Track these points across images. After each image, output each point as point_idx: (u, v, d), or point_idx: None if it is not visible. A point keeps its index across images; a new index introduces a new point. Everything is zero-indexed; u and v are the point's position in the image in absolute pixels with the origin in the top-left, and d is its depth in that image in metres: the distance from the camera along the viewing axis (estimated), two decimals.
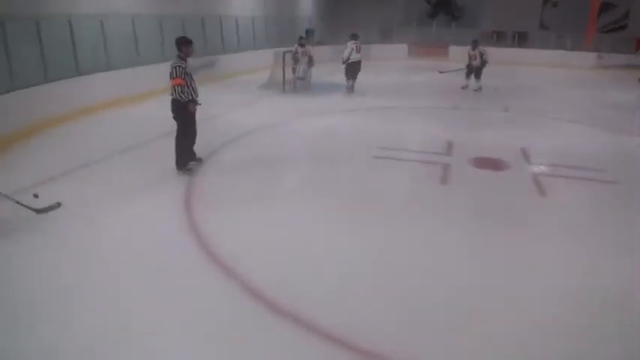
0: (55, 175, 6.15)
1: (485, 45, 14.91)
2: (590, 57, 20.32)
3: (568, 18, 21.97)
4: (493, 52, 14.68)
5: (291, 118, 9.97)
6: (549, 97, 13.25)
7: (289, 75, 13.21)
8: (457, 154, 7.42)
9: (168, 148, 6.42)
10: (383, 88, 14.17)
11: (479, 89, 13.41)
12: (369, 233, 4.79)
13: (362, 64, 13.13)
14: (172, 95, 6.08)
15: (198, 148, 6.60)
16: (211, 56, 14.29)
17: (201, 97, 6.39)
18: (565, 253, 4.46)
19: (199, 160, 6.65)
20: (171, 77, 6.02)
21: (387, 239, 4.68)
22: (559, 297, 3.76)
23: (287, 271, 4.07)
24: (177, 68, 5.99)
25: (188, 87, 6.06)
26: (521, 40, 23.13)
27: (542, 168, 6.92)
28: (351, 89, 13.23)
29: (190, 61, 6.24)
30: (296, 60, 13.25)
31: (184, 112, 6.13)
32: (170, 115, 6.22)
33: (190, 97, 6.11)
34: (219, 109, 9.90)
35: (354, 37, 12.98)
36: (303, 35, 15.04)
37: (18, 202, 4.89)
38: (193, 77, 6.20)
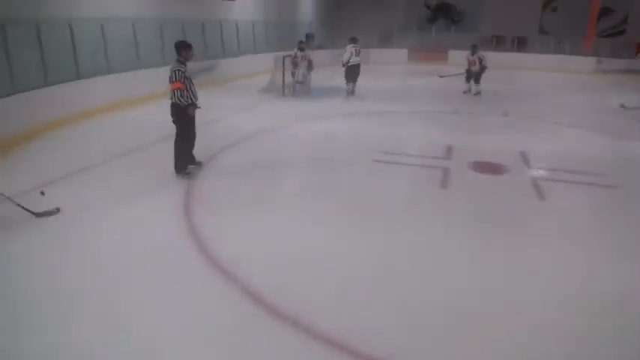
0: (55, 178, 6.14)
1: (484, 49, 14.95)
2: (589, 61, 20.37)
3: (567, 23, 22.05)
4: (492, 57, 14.73)
5: (291, 122, 9.98)
6: (549, 101, 13.27)
7: (289, 79, 13.25)
8: (457, 158, 7.42)
9: (167, 151, 6.42)
10: (383, 93, 14.20)
11: (478, 94, 13.45)
12: (368, 237, 4.78)
13: (361, 68, 13.27)
14: (172, 99, 6.09)
15: (198, 152, 6.61)
16: (211, 60, 14.31)
17: (201, 101, 6.41)
18: (564, 258, 4.46)
19: (199, 164, 6.65)
20: (171, 81, 6.02)
21: (386, 243, 4.68)
22: (558, 301, 3.75)
23: (287, 276, 4.06)
24: (177, 72, 5.99)
25: (187, 91, 6.07)
26: (520, 44, 23.18)
27: (542, 172, 6.93)
28: (351, 92, 13.30)
29: (190, 65, 6.25)
30: (295, 64, 13.28)
31: (184, 116, 6.14)
32: (170, 118, 6.23)
33: (190, 101, 6.12)
34: (219, 113, 9.92)
35: (354, 40, 13.09)
36: (303, 40, 15.07)
37: (19, 205, 4.95)
38: (193, 81, 6.21)
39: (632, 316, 3.62)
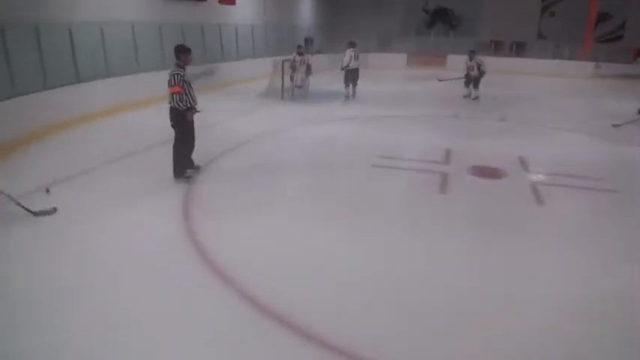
0: (55, 181, 6.14)
1: (483, 54, 15.03)
2: (587, 66, 20.44)
3: (566, 28, 22.12)
4: (491, 62, 14.77)
5: (290, 126, 9.99)
6: (547, 106, 13.31)
7: (288, 83, 13.29)
8: (456, 162, 7.43)
9: (167, 155, 6.42)
10: (382, 97, 14.24)
11: (477, 99, 13.50)
12: (367, 241, 4.78)
13: (361, 73, 13.42)
14: (171, 103, 6.09)
15: (198, 155, 6.62)
16: (210, 64, 14.35)
17: (200, 105, 6.42)
18: (564, 262, 4.46)
19: (197, 168, 6.65)
20: (170, 85, 6.03)
21: (386, 247, 4.68)
22: (558, 305, 3.76)
23: (285, 279, 4.06)
24: (176, 76, 6.00)
25: (186, 95, 6.07)
26: (519, 49, 23.26)
27: (541, 177, 6.94)
28: (352, 96, 13.41)
29: (189, 69, 6.26)
30: (294, 68, 13.34)
31: (183, 120, 6.14)
32: (169, 122, 6.24)
33: (188, 105, 6.12)
34: (218, 117, 9.93)
35: (352, 44, 13.26)
36: (302, 44, 15.14)
37: (18, 204, 5.08)
38: (192, 85, 6.22)
39: (632, 319, 3.62)
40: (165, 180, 6.28)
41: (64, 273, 4.11)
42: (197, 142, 6.46)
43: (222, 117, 10.23)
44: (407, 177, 7.01)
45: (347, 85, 13.47)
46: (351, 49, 13.14)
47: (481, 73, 13.40)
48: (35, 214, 5.11)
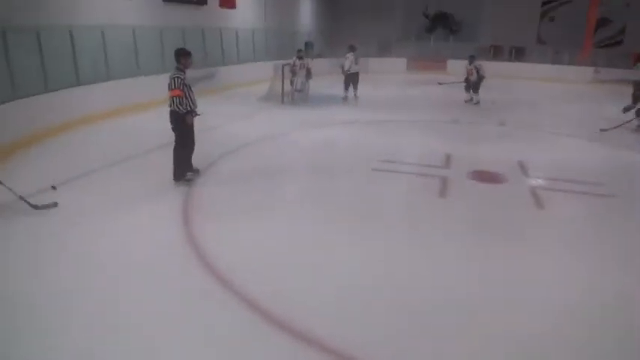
0: (55, 183, 6.14)
1: (482, 59, 15.13)
2: (587, 71, 20.49)
3: (565, 33, 22.21)
4: (491, 67, 14.83)
5: (290, 129, 10.01)
6: (547, 111, 13.34)
7: (288, 87, 13.33)
8: (455, 167, 7.44)
9: (167, 158, 6.42)
10: (382, 102, 14.27)
11: (477, 103, 13.56)
12: (367, 245, 4.78)
13: (360, 77, 13.57)
14: (171, 106, 6.10)
15: (198, 159, 6.62)
16: (211, 68, 14.37)
17: (201, 109, 6.42)
18: (563, 266, 4.47)
19: (197, 171, 6.66)
20: (170, 88, 6.04)
21: (386, 251, 4.68)
22: (558, 309, 3.75)
23: (285, 283, 4.06)
24: (176, 79, 6.01)
25: (186, 98, 6.08)
26: (518, 54, 23.33)
27: (540, 181, 6.95)
28: (354, 100, 13.53)
29: (189, 72, 6.27)
30: (294, 73, 13.38)
31: (182, 123, 6.15)
32: (169, 126, 6.25)
33: (188, 109, 6.13)
34: (218, 121, 9.94)
35: (352, 48, 13.40)
36: (302, 48, 15.19)
37: (20, 197, 5.25)
38: (192, 89, 6.23)
39: (632, 323, 3.62)
40: (165, 183, 6.29)
41: (64, 276, 4.10)
42: (197, 146, 6.46)
43: (223, 120, 10.25)
44: (407, 181, 7.02)
45: (346, 89, 13.58)
46: (352, 53, 13.27)
47: (480, 78, 13.47)
48: (36, 207, 5.26)
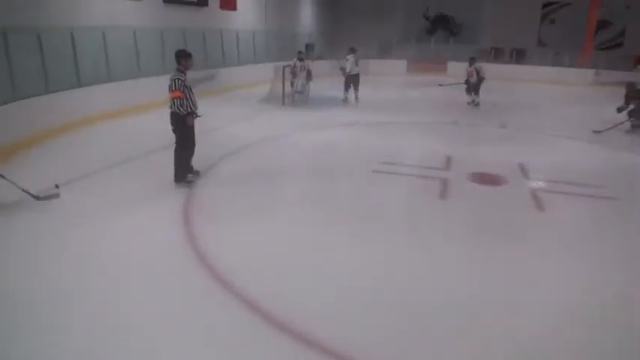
0: (57, 184, 6.15)
1: (483, 61, 15.17)
2: (587, 74, 20.49)
3: (566, 35, 22.22)
4: (491, 69, 14.83)
5: (291, 131, 10.01)
6: (547, 113, 13.34)
7: (288, 89, 13.35)
8: (456, 169, 7.44)
9: (167, 160, 6.43)
10: (382, 103, 14.27)
11: (477, 105, 13.58)
12: (368, 247, 4.78)
13: (361, 79, 13.66)
14: (171, 108, 6.10)
15: (198, 160, 6.62)
16: (211, 69, 14.39)
17: (201, 110, 6.43)
18: (564, 269, 4.46)
19: (196, 173, 6.65)
20: (170, 90, 6.04)
21: (386, 253, 4.68)
22: (558, 311, 3.75)
23: (285, 284, 4.06)
24: (177, 81, 6.01)
25: (187, 100, 6.08)
26: (519, 56, 23.34)
27: (541, 184, 6.95)
28: (355, 101, 13.57)
29: (190, 74, 6.27)
30: (294, 74, 13.40)
31: (183, 125, 6.15)
32: (169, 127, 6.25)
33: (189, 110, 6.13)
34: (218, 122, 9.95)
35: (353, 50, 13.46)
36: (303, 50, 15.21)
37: (22, 189, 5.41)
38: (193, 90, 6.23)
39: (632, 326, 3.62)
40: (165, 185, 6.29)
41: (65, 276, 4.11)
42: (197, 147, 6.46)
43: (223, 122, 10.25)
44: (407, 183, 7.02)
45: (347, 90, 13.64)
46: (352, 55, 13.35)
47: (480, 79, 13.51)
48: (39, 198, 5.42)
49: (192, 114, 6.20)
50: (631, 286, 4.20)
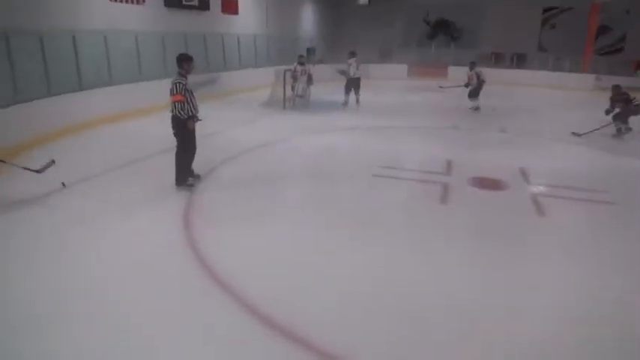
0: (56, 187, 6.17)
1: (484, 66, 15.27)
2: (588, 79, 20.49)
3: (566, 40, 22.23)
4: (491, 73, 14.86)
5: (292, 135, 10.02)
6: (548, 118, 13.34)
7: (289, 93, 13.37)
8: (456, 173, 7.44)
9: (168, 163, 6.44)
10: (382, 108, 14.28)
11: (477, 109, 13.61)
12: (369, 251, 4.78)
13: (362, 83, 13.81)
14: (172, 112, 6.12)
15: (199, 164, 6.63)
16: (213, 73, 14.42)
17: (202, 114, 6.44)
18: (564, 273, 4.46)
19: (197, 177, 6.66)
20: (172, 94, 6.05)
21: (387, 257, 4.67)
22: (558, 316, 3.75)
23: (286, 288, 4.06)
24: (178, 85, 6.02)
25: (188, 103, 6.09)
26: (519, 61, 23.35)
27: (541, 188, 6.94)
28: (356, 105, 13.68)
29: (191, 77, 6.29)
30: (295, 78, 13.42)
31: (184, 128, 6.16)
32: (170, 131, 6.26)
33: (190, 114, 6.13)
34: (219, 126, 9.96)
35: (354, 54, 13.56)
36: (304, 54, 15.25)
37: (24, 168, 5.96)
38: (194, 94, 6.24)
39: (632, 331, 3.61)
40: (166, 188, 6.29)
41: (64, 279, 4.11)
42: (198, 151, 6.46)
43: (224, 126, 10.27)
44: (408, 187, 7.02)
45: (347, 94, 13.72)
46: (354, 59, 13.46)
47: (480, 83, 13.55)
48: (38, 171, 5.94)
49: (193, 118, 6.21)
50: (631, 292, 4.19)
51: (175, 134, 6.25)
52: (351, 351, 3.24)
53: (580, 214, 6.09)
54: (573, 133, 10.40)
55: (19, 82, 8.23)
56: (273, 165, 7.92)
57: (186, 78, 6.12)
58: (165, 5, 13.06)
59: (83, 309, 3.66)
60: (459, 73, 16.49)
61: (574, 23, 22.43)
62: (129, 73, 11.35)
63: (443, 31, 26.05)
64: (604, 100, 10.72)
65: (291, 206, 6.35)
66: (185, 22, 13.81)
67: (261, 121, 11.65)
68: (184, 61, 6.15)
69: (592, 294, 4.13)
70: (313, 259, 4.59)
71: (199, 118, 6.33)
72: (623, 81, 19.39)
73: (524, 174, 7.46)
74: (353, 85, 13.57)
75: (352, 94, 13.68)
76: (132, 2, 11.54)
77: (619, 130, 10.52)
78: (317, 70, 14.75)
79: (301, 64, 13.48)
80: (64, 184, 6.12)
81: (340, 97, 13.96)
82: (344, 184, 7.06)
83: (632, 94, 10.77)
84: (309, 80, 13.60)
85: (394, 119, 12.19)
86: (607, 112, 10.75)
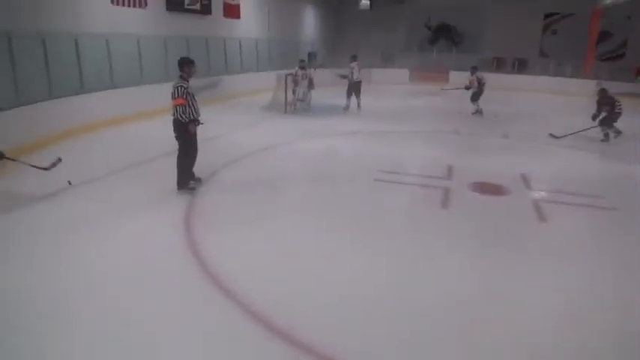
0: (57, 190, 6.17)
1: (485, 71, 15.36)
2: (589, 84, 20.48)
3: (568, 46, 22.26)
4: (493, 78, 14.89)
5: (293, 139, 10.02)
6: (549, 123, 13.32)
7: (290, 97, 13.40)
8: (457, 178, 7.44)
9: (169, 167, 6.44)
10: (384, 112, 14.30)
11: (475, 112, 13.71)
12: (370, 255, 4.78)
13: (363, 88, 13.89)
14: (174, 115, 6.12)
15: (200, 168, 6.63)
16: (214, 77, 14.45)
17: (204, 118, 6.45)
18: (565, 278, 4.46)
19: (198, 180, 6.66)
20: (173, 97, 6.06)
21: (388, 261, 4.67)
22: (559, 321, 3.75)
23: (286, 292, 4.05)
24: (179, 88, 6.03)
25: (189, 107, 6.09)
26: (521, 66, 23.39)
27: (542, 194, 6.94)
28: (357, 108, 13.74)
29: (193, 81, 6.30)
30: (296, 82, 13.46)
31: (185, 132, 6.17)
32: (172, 134, 6.26)
33: (191, 118, 6.14)
34: (221, 130, 9.97)
35: (355, 58, 13.64)
36: (305, 58, 15.30)
37: (32, 165, 6.10)
38: (196, 97, 6.25)
39: (632, 335, 3.61)
40: (167, 191, 6.30)
41: (64, 280, 4.11)
42: (200, 155, 6.47)
43: (226, 130, 10.28)
44: (409, 192, 7.03)
45: (349, 97, 13.78)
46: (356, 62, 13.54)
47: (481, 87, 13.61)
48: (46, 169, 6.11)
49: (195, 121, 6.22)
50: (632, 296, 4.18)
51: (177, 138, 6.25)
52: (352, 354, 3.23)
53: (581, 220, 6.09)
54: (551, 135, 10.46)
55: (20, 85, 8.25)
56: (275, 169, 7.92)
57: (187, 81, 6.13)
58: (167, 9, 13.11)
59: (83, 309, 3.67)
60: (460, 78, 16.48)
61: (575, 29, 22.47)
62: (131, 76, 11.37)
63: (444, 35, 26.11)
64: None
65: (292, 210, 6.34)
66: (187, 26, 13.85)
67: (263, 124, 11.67)
68: (186, 64, 6.16)
69: (594, 299, 4.12)
70: (314, 263, 4.59)
71: (201, 121, 6.34)
72: (624, 87, 19.45)
73: (525, 179, 7.45)
74: (354, 89, 13.61)
75: (353, 99, 13.71)
76: (134, 6, 11.57)
77: (606, 135, 10.54)
78: (318, 74, 14.80)
79: (302, 68, 13.53)
80: (70, 183, 6.24)
81: (341, 101, 13.98)
82: (345, 188, 7.06)
83: (618, 99, 10.77)
84: (310, 84, 13.65)
85: (395, 124, 12.20)
86: (593, 117, 10.76)
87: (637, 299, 4.16)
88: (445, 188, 6.91)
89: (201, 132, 6.41)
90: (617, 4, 19.69)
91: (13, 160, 6.24)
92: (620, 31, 22.48)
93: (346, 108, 13.78)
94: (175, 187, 6.32)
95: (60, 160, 6.31)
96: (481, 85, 13.59)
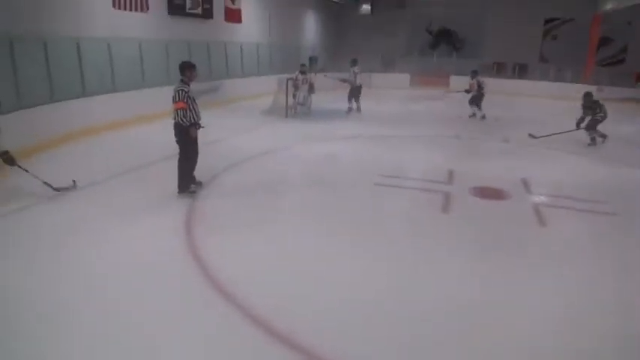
0: (58, 193, 6.18)
1: (486, 76, 15.49)
2: (589, 90, 20.51)
3: (568, 51, 22.30)
4: (493, 83, 14.94)
5: (294, 143, 10.04)
6: (550, 128, 13.32)
7: (291, 101, 13.43)
8: (458, 183, 7.45)
9: (170, 170, 6.45)
10: (385, 117, 14.32)
11: (473, 116, 13.85)
12: (370, 259, 4.78)
13: (364, 92, 14.15)
14: (175, 119, 6.14)
15: (201, 171, 6.63)
16: (216, 81, 14.48)
17: (205, 121, 6.47)
18: (565, 282, 4.45)
19: (199, 184, 6.66)
20: (174, 101, 6.07)
21: (388, 265, 4.67)
22: (559, 325, 3.74)
23: (286, 296, 4.05)
24: (180, 92, 6.05)
25: (190, 111, 6.10)
26: (521, 71, 23.43)
27: (543, 198, 6.94)
28: (357, 111, 13.93)
29: (194, 85, 6.31)
30: (296, 87, 13.50)
31: (186, 136, 6.18)
32: (173, 138, 6.27)
33: (192, 121, 6.15)
34: (222, 134, 9.98)
35: (355, 62, 13.72)
36: (306, 63, 15.36)
37: (44, 183, 6.08)
38: (197, 101, 6.26)
39: (633, 339, 3.61)
40: (168, 195, 6.30)
41: (64, 283, 4.11)
42: (200, 158, 6.48)
43: (226, 133, 10.29)
44: (409, 196, 7.03)
45: (350, 101, 13.96)
46: (357, 66, 13.64)
47: (480, 91, 13.67)
48: (57, 189, 6.08)
49: (196, 125, 6.23)
50: (632, 301, 4.18)
51: (178, 141, 6.27)
52: (352, 358, 3.23)
53: (581, 225, 6.09)
54: (530, 135, 10.52)
55: (22, 88, 8.27)
56: (275, 173, 7.93)
57: (188, 85, 6.15)
58: (169, 13, 13.14)
59: (83, 312, 3.67)
60: (461, 83, 16.56)
61: (575, 34, 22.52)
62: (132, 80, 11.39)
63: (445, 40, 26.17)
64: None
65: (292, 214, 6.35)
66: (188, 31, 13.89)
67: (264, 128, 11.68)
68: (187, 68, 6.18)
69: (593, 303, 4.12)
70: (315, 267, 4.59)
71: (202, 125, 6.35)
72: (624, 92, 19.49)
73: (525, 184, 7.46)
74: (356, 92, 13.74)
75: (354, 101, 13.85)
76: (135, 10, 11.59)
77: (593, 139, 10.57)
78: (318, 79, 14.86)
79: (303, 72, 13.57)
80: (74, 182, 6.34)
81: (341, 105, 14.03)
82: (346, 192, 7.06)
83: (602, 104, 10.82)
84: (311, 89, 13.70)
85: (396, 128, 12.21)
86: (578, 123, 10.77)
87: (637, 302, 4.16)
88: (446, 193, 6.91)
89: (202, 136, 6.42)
90: (618, 10, 19.75)
91: (25, 170, 6.20)
92: (620, 36, 22.53)
93: (349, 111, 13.92)
94: (176, 190, 6.32)
95: (74, 183, 6.40)
96: (481, 89, 13.69)
